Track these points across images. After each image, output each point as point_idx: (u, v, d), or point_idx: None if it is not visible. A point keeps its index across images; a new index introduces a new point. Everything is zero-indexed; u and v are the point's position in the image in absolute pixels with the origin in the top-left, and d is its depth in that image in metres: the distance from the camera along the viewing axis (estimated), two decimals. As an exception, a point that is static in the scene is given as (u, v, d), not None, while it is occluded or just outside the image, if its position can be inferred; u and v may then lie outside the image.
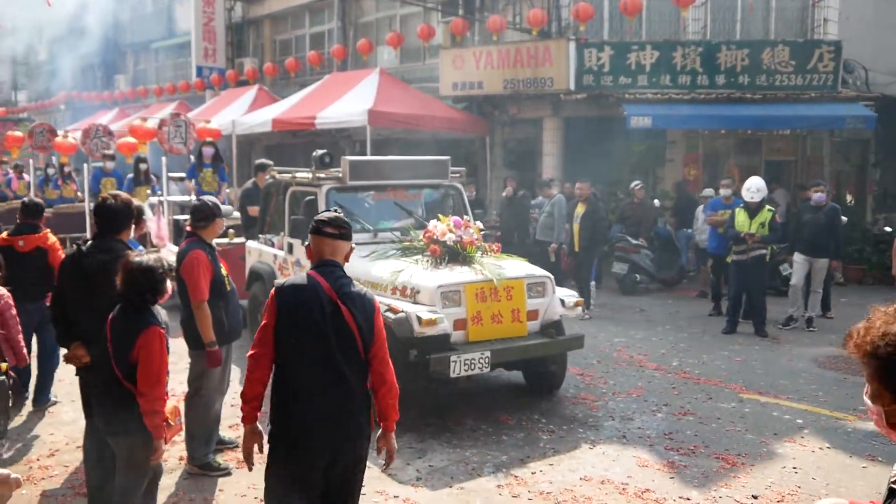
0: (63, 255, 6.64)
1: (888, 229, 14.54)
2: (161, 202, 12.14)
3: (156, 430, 3.92)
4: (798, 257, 10.44)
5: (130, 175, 14.06)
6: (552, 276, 7.14)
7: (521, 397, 7.36)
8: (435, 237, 7.15)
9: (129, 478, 4.11)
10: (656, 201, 14.77)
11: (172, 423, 4.09)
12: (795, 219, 10.54)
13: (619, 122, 14.13)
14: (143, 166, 13.97)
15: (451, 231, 7.15)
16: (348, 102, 15.99)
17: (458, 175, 8.49)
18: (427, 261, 7.00)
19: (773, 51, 14.35)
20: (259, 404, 3.56)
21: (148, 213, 11.18)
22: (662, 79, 14.57)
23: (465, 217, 7.50)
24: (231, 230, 10.64)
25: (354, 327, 3.47)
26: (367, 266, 7.06)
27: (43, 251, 6.77)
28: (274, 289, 3.57)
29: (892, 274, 9.92)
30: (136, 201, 4.13)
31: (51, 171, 17.08)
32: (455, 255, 7.06)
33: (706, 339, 10.01)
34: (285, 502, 3.49)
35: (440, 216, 7.42)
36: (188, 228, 5.44)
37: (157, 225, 11.34)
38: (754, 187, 9.88)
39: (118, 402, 3.95)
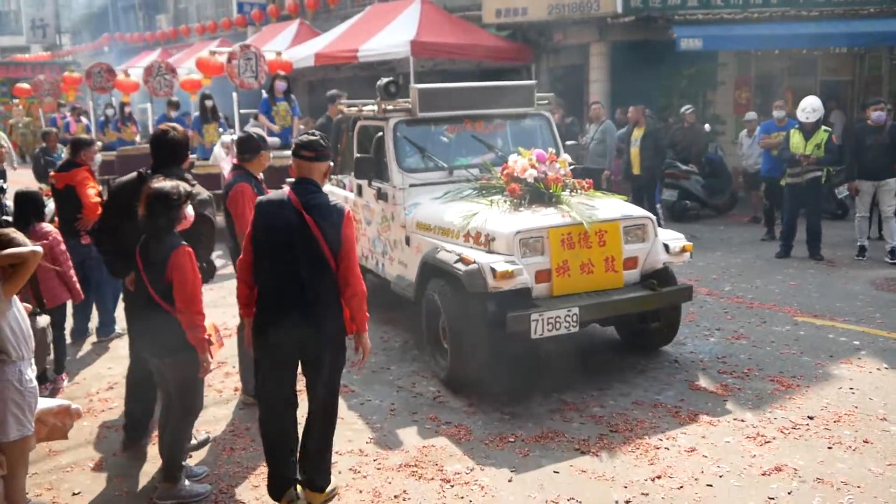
0: (95, 190, 6.73)
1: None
2: (234, 140, 11.83)
3: (199, 344, 4.11)
4: (863, 184, 9.81)
5: (196, 113, 13.50)
6: (654, 217, 6.17)
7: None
8: (514, 174, 6.27)
9: (184, 398, 4.29)
10: (707, 126, 14.41)
11: (214, 340, 4.24)
12: (855, 141, 10.01)
13: (669, 45, 13.70)
14: (209, 103, 13.15)
15: (532, 167, 6.24)
16: (390, 34, 15.76)
17: (545, 102, 7.48)
18: (505, 202, 6.13)
19: (830, -36, 13.71)
20: (248, 301, 4.18)
21: (219, 152, 10.88)
22: (713, -2, 14.05)
23: (549, 150, 6.53)
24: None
25: (319, 235, 3.90)
26: (438, 210, 6.34)
27: (72, 189, 6.71)
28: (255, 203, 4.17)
29: None
30: (184, 187, 4.14)
31: (110, 112, 16.66)
32: (538, 194, 6.15)
33: (759, 263, 9.85)
34: (264, 374, 4.16)
35: (521, 150, 6.49)
36: (235, 161, 5.45)
37: (229, 164, 11.00)
38: (810, 107, 9.55)
39: (160, 324, 4.11)
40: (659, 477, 4.44)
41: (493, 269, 5.34)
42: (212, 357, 4.24)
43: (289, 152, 10.43)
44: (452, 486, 4.42)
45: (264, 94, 12.42)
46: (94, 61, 19.99)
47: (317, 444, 4.26)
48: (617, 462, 4.65)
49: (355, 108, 7.68)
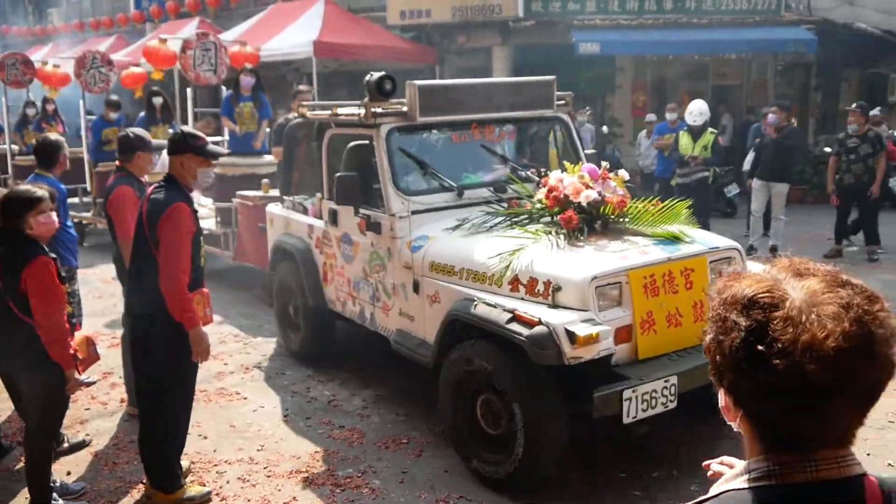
0: None
1: (828, 149, 14.79)
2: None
3: (63, 360, 3.88)
4: (756, 183, 10.18)
5: (142, 114, 11.20)
6: (741, 248, 4.97)
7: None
8: (565, 196, 4.83)
9: (43, 418, 4.05)
10: (604, 128, 14.79)
11: (83, 356, 4.06)
12: (756, 143, 10.46)
13: (568, 49, 14.02)
14: (157, 100, 10.92)
15: (587, 186, 4.82)
16: (293, 34, 15.57)
17: (563, 103, 6.02)
18: (556, 234, 4.68)
19: (718, -26, 14.30)
20: None
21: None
22: (610, 4, 14.47)
23: (602, 164, 5.03)
24: (265, 181, 8.40)
25: (146, 227, 4.02)
26: (461, 246, 4.86)
27: None
28: None
29: (828, 192, 10.12)
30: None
31: (31, 111, 14.03)
32: (592, 221, 4.79)
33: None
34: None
35: (567, 164, 5.09)
36: (117, 163, 5.29)
37: None
38: (696, 111, 9.92)
39: (17, 337, 3.88)
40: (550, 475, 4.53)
41: (571, 334, 3.91)
42: (80, 373, 4.07)
43: (250, 160, 9.42)
44: (343, 490, 4.41)
45: (226, 91, 10.60)
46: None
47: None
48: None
49: (327, 112, 6.01)
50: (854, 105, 10.12)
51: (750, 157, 10.93)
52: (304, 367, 6.44)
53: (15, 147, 13.70)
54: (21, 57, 14.39)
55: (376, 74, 5.29)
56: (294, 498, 4.35)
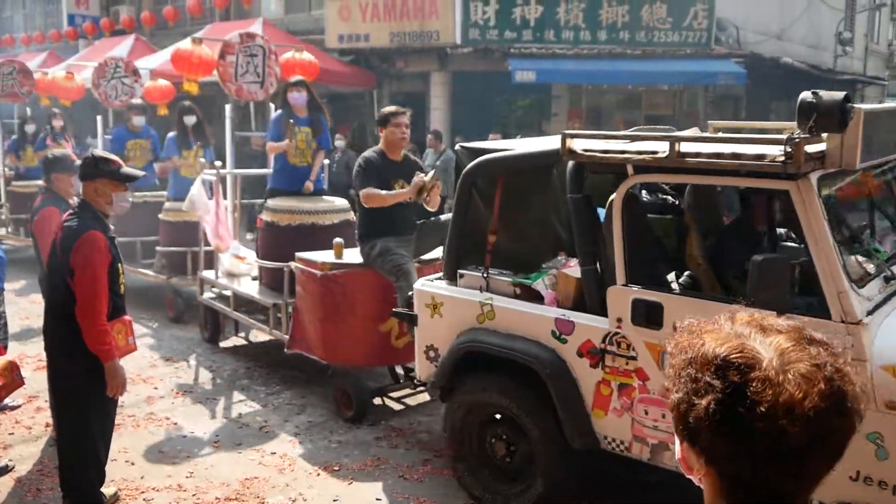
0: None
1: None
2: (222, 175, 7.64)
3: None
4: None
5: (172, 133, 9.15)
6: None
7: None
8: None
9: None
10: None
11: (4, 381, 3.97)
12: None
13: (506, 76, 14.25)
14: (189, 120, 9.08)
15: None
16: (184, 42, 15.46)
17: None
18: None
19: (651, 7, 14.73)
20: None
21: (198, 194, 7.18)
22: (547, 34, 14.78)
23: None
24: (338, 240, 5.89)
25: (59, 254, 3.96)
26: None
27: None
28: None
29: None
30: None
31: (30, 128, 11.96)
32: None
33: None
34: None
35: None
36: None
37: (214, 214, 7.17)
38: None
39: None
40: (479, 499, 4.57)
41: None
42: (1, 399, 3.98)
43: (309, 205, 6.82)
44: (273, 519, 4.38)
45: (275, 111, 7.89)
46: None
47: None
48: (440, 486, 4.75)
49: (629, 151, 3.76)
50: None
51: None
52: (236, 393, 6.37)
53: (9, 170, 12.03)
54: (19, 65, 12.33)
55: (827, 93, 3.29)
56: (223, 526, 4.30)
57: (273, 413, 5.93)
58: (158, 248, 8.88)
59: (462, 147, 4.92)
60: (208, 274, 7.62)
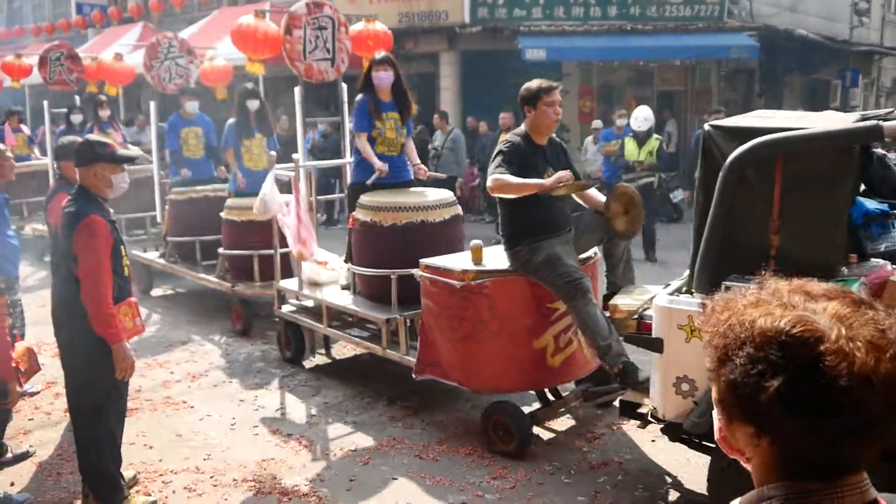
0: None
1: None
2: (304, 171, 6.74)
3: (4, 373, 3.87)
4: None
5: (232, 120, 8.22)
6: None
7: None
8: None
9: None
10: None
11: (24, 368, 4.00)
12: (694, 150, 10.71)
13: (515, 55, 14.16)
14: (252, 104, 8.16)
15: None
16: (247, 17, 15.43)
17: None
18: None
19: (662, -19, 14.60)
20: None
21: (270, 193, 6.20)
22: (556, 11, 14.66)
23: None
24: (477, 242, 5.12)
25: (63, 242, 3.97)
26: None
27: None
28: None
29: None
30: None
31: (76, 117, 10.84)
32: None
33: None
34: None
35: None
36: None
37: (295, 216, 6.13)
38: (641, 116, 10.12)
39: None
40: (494, 478, 4.57)
41: None
42: (21, 385, 4.01)
43: (415, 199, 5.84)
44: (290, 499, 4.39)
45: (360, 96, 6.26)
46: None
47: None
48: (454, 465, 4.75)
49: None
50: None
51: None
52: (251, 376, 6.39)
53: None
54: (67, 49, 11.19)
55: None
56: (241, 507, 4.32)
57: (288, 395, 5.95)
58: (221, 251, 7.88)
59: (715, 127, 4.00)
60: (288, 283, 6.68)
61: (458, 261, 5.06)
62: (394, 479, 4.59)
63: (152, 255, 9.16)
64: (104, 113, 10.35)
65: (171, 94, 9.57)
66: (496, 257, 4.98)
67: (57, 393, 6.05)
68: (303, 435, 5.22)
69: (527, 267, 4.70)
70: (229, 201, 7.92)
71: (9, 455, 4.84)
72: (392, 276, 5.54)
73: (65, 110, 11.03)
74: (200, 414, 5.64)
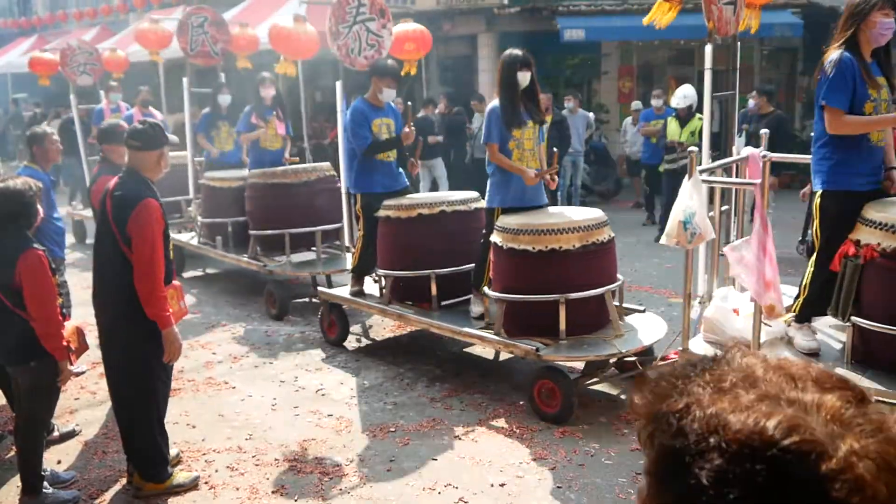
0: None
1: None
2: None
3: (56, 352, 3.94)
4: None
5: (248, 107, 8.55)
6: None
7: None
8: None
9: (34, 406, 4.10)
10: (591, 115, 14.79)
11: (74, 346, 4.08)
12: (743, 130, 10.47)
13: (554, 35, 14.02)
14: (268, 92, 8.47)
15: None
16: (285, 18, 15.48)
17: None
18: None
19: (704, -42, 14.33)
20: None
21: (700, 202, 4.84)
22: (595, -10, 14.48)
23: None
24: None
25: (112, 223, 3.96)
26: None
27: None
28: None
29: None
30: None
31: (224, 98, 9.33)
32: None
33: (639, 247, 10.20)
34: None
35: None
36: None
37: (758, 244, 4.44)
38: (682, 94, 9.94)
39: (10, 328, 3.92)
40: (535, 459, 4.57)
41: None
42: (72, 363, 4.09)
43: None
44: (331, 479, 4.42)
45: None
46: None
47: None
48: (494, 446, 4.75)
49: None
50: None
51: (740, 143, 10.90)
52: (291, 357, 6.45)
53: (201, 157, 9.61)
54: (211, 14, 9.42)
55: None
56: (282, 486, 4.36)
57: (328, 376, 5.99)
58: (252, 232, 7.90)
59: None
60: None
61: None
62: (433, 459, 4.60)
63: (186, 237, 9.25)
64: (268, 93, 8.52)
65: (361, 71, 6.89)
66: None
67: (101, 373, 6.13)
68: (343, 415, 5.26)
69: None
70: (251, 181, 7.91)
71: (56, 434, 4.94)
72: None
73: (208, 90, 9.69)
74: (242, 394, 5.71)
